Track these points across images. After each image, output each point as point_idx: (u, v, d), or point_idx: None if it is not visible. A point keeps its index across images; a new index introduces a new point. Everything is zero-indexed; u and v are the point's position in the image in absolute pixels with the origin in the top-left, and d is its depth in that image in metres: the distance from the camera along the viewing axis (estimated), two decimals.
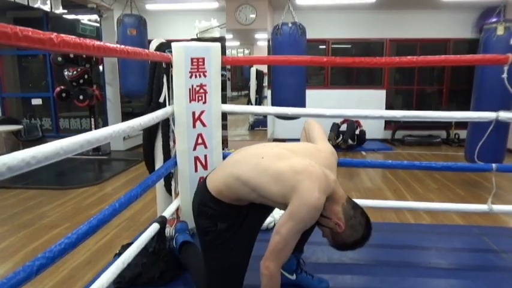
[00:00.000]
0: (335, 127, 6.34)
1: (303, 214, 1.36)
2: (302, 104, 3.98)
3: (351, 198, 1.56)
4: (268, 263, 1.41)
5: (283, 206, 1.42)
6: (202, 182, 1.63)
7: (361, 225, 1.50)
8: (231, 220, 1.56)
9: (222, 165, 1.66)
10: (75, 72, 5.29)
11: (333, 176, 1.50)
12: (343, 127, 6.38)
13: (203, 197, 1.58)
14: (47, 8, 4.63)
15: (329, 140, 6.16)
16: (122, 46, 1.51)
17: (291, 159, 1.47)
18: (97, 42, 1.27)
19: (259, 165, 1.48)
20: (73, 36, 1.13)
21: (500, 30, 3.59)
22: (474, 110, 3.71)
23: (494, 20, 4.01)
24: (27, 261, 1.09)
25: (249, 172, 1.48)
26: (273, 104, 4.22)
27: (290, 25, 3.91)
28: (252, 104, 6.12)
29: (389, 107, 7.11)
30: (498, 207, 2.37)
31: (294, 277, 1.90)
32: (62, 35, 1.08)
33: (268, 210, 1.69)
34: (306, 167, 1.41)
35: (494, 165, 2.28)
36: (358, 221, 1.50)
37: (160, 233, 2.01)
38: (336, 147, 6.15)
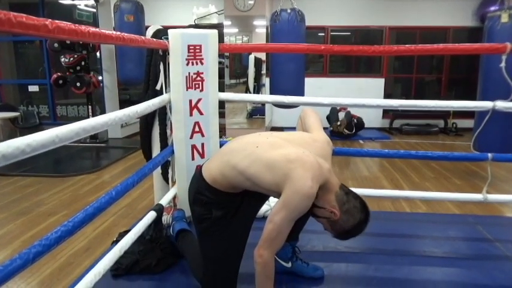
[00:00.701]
0: (334, 111, 6.34)
1: (296, 202, 1.36)
2: (301, 92, 3.95)
3: (346, 185, 1.57)
4: (261, 251, 1.42)
5: (277, 195, 1.43)
6: (198, 171, 1.64)
7: (356, 208, 1.50)
8: (226, 208, 1.57)
9: (218, 154, 1.66)
10: (72, 59, 5.25)
11: (327, 165, 1.50)
12: (341, 115, 6.38)
13: (199, 185, 1.59)
14: None
15: (331, 124, 6.18)
16: (118, 33, 1.50)
17: (285, 148, 1.48)
18: (92, 29, 1.26)
19: (253, 154, 1.48)
20: (68, 23, 1.12)
21: (504, 18, 3.55)
22: (481, 99, 3.68)
23: (496, 7, 3.95)
24: (25, 248, 1.10)
25: (243, 161, 1.48)
26: (271, 93, 4.19)
27: (289, 11, 3.87)
28: (250, 92, 6.09)
29: (387, 95, 7.10)
30: (493, 197, 2.39)
31: (289, 265, 1.93)
32: (57, 21, 1.07)
33: (264, 198, 1.70)
34: (299, 156, 1.42)
35: (490, 154, 2.29)
36: (353, 205, 1.50)
37: (157, 221, 2.03)
38: (336, 132, 6.18)
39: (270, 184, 1.44)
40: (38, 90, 6.28)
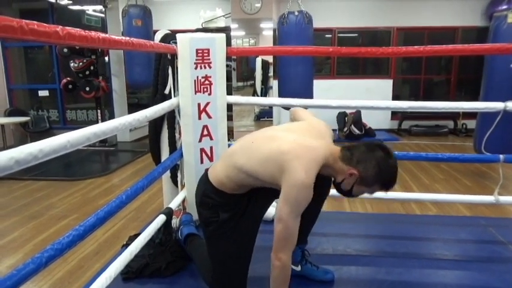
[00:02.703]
0: (341, 116, 6.32)
1: (295, 195, 1.35)
2: (310, 94, 3.95)
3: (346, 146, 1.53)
4: (278, 253, 1.41)
5: (279, 188, 1.42)
6: (204, 174, 1.65)
7: (364, 152, 1.45)
8: (233, 210, 1.57)
9: (222, 156, 1.69)
10: (81, 64, 5.30)
11: (322, 142, 1.48)
12: (349, 119, 6.37)
13: (205, 189, 1.60)
14: None
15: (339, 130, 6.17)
16: (127, 38, 1.51)
17: (278, 140, 1.46)
18: (102, 35, 1.27)
19: (249, 150, 1.51)
20: (78, 29, 1.13)
21: (510, 18, 3.51)
22: (483, 100, 3.65)
23: (504, 7, 3.91)
24: (37, 252, 1.11)
25: (241, 158, 1.50)
26: (280, 95, 4.19)
27: (296, 14, 3.87)
28: (257, 95, 6.09)
29: (396, 96, 7.05)
30: (505, 199, 2.36)
31: (299, 268, 1.92)
32: (68, 27, 1.08)
33: (270, 198, 1.69)
34: (291, 146, 1.40)
35: (501, 156, 2.26)
36: (359, 152, 1.45)
37: (167, 224, 2.03)
38: (344, 137, 6.16)
39: (268, 177, 1.44)
40: (47, 95, 6.35)
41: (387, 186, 1.48)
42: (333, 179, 1.55)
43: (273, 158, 1.41)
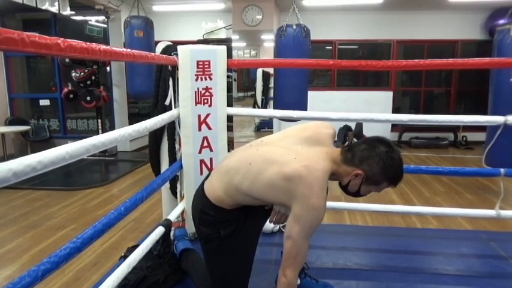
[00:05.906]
0: (345, 130, 6.31)
1: (307, 217, 1.35)
2: (304, 105, 3.98)
3: (345, 146, 1.50)
4: (285, 270, 1.39)
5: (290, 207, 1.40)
6: (200, 189, 1.61)
7: (366, 149, 1.42)
8: (233, 225, 1.55)
9: (217, 172, 1.60)
10: (82, 74, 5.33)
11: (323, 150, 1.45)
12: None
13: (203, 205, 1.57)
14: (55, 9, 4.66)
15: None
16: (128, 50, 1.52)
17: (279, 161, 1.40)
18: (103, 47, 1.28)
19: (249, 174, 1.44)
20: (79, 41, 1.14)
21: None
22: (492, 114, 3.63)
23: (506, 21, 3.94)
24: (34, 262, 1.10)
25: (243, 182, 1.45)
26: (275, 106, 4.22)
27: (294, 27, 3.91)
28: (258, 106, 6.11)
29: (396, 108, 7.06)
30: (506, 213, 2.34)
31: (298, 282, 1.89)
32: (69, 40, 1.09)
33: (267, 211, 1.67)
34: (294, 169, 1.34)
35: (502, 170, 2.25)
36: (360, 151, 1.42)
37: (166, 236, 2.01)
38: None
39: (277, 202, 1.46)
40: (49, 104, 6.37)
41: (395, 181, 1.45)
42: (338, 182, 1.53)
43: (279, 185, 1.37)
